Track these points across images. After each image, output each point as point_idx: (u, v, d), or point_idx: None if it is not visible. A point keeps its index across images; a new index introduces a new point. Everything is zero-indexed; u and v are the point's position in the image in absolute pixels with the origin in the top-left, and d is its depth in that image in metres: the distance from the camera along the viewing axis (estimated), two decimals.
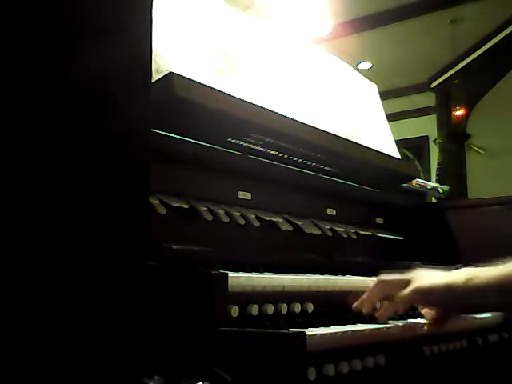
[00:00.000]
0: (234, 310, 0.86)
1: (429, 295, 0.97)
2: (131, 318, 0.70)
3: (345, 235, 1.50)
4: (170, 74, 1.09)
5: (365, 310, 1.01)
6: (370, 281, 1.10)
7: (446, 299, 0.97)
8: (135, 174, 0.73)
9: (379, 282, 1.02)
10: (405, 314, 1.13)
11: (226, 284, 0.84)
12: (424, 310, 1.04)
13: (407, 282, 0.99)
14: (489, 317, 1.25)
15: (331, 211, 1.52)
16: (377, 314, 1.01)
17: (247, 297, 0.91)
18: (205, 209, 1.15)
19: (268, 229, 1.29)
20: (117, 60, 0.72)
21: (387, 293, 1.01)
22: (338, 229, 1.48)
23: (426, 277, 0.98)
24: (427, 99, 7.30)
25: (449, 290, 0.95)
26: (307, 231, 1.37)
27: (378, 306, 1.04)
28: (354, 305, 1.03)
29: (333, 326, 0.90)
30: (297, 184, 1.41)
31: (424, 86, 7.21)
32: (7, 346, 0.61)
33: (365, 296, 1.02)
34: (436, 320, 1.01)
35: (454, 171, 6.85)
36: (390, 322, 1.03)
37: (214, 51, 1.34)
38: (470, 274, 0.95)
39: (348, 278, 1.16)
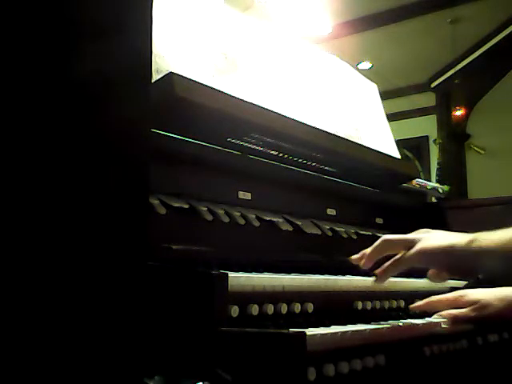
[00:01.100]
0: (234, 310, 0.86)
1: (432, 256, 0.98)
2: (131, 319, 0.70)
3: (345, 235, 1.49)
4: (170, 73, 1.09)
5: (364, 266, 1.03)
6: (369, 281, 1.10)
7: (448, 260, 0.97)
8: (135, 174, 0.73)
9: (383, 240, 1.02)
10: (405, 314, 1.13)
11: (226, 284, 0.84)
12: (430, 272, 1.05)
13: (411, 242, 0.99)
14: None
15: (331, 211, 1.52)
16: (378, 271, 1.02)
17: (247, 297, 0.91)
18: (205, 209, 1.15)
19: (268, 229, 1.29)
20: (117, 60, 0.72)
21: (390, 251, 1.02)
22: (338, 229, 1.48)
23: (430, 238, 0.99)
24: (427, 99, 7.30)
25: (451, 251, 0.96)
26: (307, 231, 1.37)
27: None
28: (354, 257, 1.05)
29: (333, 326, 0.90)
30: (297, 184, 1.41)
31: (424, 86, 7.21)
32: (7, 346, 0.61)
33: (367, 251, 1.03)
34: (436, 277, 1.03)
35: (454, 171, 6.85)
36: (390, 322, 1.03)
37: (214, 51, 1.34)
38: (474, 236, 0.96)
39: (348, 277, 1.16)
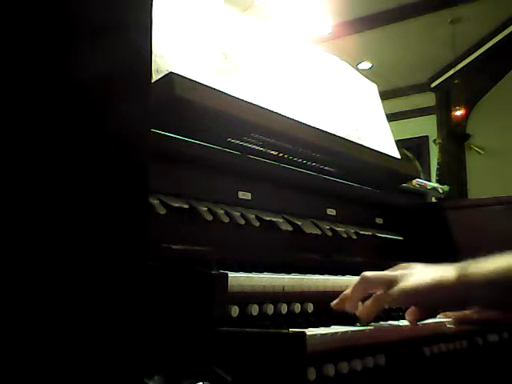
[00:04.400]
0: (234, 310, 0.86)
1: (416, 295, 0.92)
2: (131, 319, 0.70)
3: (345, 235, 1.49)
4: (170, 74, 1.09)
5: (347, 309, 0.96)
6: None
7: (435, 298, 0.91)
8: (135, 174, 0.73)
9: (362, 279, 0.96)
10: (397, 315, 1.13)
11: (225, 284, 0.84)
12: (409, 310, 0.99)
13: (392, 281, 0.93)
14: None
15: (331, 211, 1.52)
16: (358, 313, 0.96)
17: (247, 297, 0.91)
18: (205, 209, 1.15)
19: (268, 229, 1.29)
20: (116, 60, 0.72)
21: (370, 292, 0.96)
22: (338, 229, 1.48)
23: (413, 275, 0.93)
24: (427, 99, 7.30)
25: (439, 288, 0.90)
26: (307, 231, 1.37)
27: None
28: (334, 303, 0.98)
29: (333, 326, 0.90)
30: (297, 184, 1.41)
31: (424, 86, 7.22)
32: (6, 346, 0.61)
33: (347, 293, 0.97)
34: (417, 318, 0.97)
35: (454, 171, 6.85)
36: (390, 322, 1.03)
37: (214, 51, 1.34)
38: (463, 270, 0.89)
39: (348, 277, 1.16)
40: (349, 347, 0.84)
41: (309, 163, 1.45)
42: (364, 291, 0.97)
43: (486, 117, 6.92)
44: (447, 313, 1.12)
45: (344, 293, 0.98)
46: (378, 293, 0.95)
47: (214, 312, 0.80)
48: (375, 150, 1.64)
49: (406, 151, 7.12)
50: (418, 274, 0.93)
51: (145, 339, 0.72)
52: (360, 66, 6.51)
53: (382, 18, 5.83)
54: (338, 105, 1.69)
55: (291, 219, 1.35)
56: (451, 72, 6.87)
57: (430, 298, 0.92)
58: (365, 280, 0.96)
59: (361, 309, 0.96)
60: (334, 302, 0.99)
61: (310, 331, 0.77)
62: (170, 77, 1.08)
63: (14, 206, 0.63)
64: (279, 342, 0.74)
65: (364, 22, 5.90)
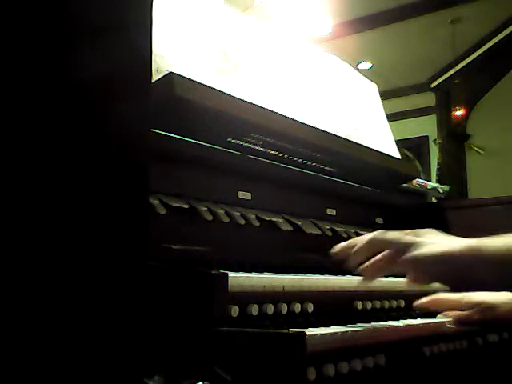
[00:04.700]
0: (234, 310, 0.86)
1: (427, 264, 0.89)
2: (131, 319, 0.70)
3: (345, 235, 1.49)
4: (170, 74, 1.09)
5: (349, 262, 0.94)
6: None
7: (444, 269, 0.89)
8: (135, 174, 0.73)
9: (380, 235, 0.94)
10: (405, 314, 1.13)
11: (225, 284, 0.84)
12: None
13: (406, 247, 0.91)
14: None
15: (331, 211, 1.52)
16: (364, 269, 0.94)
17: (247, 297, 0.91)
18: (205, 209, 1.15)
19: (268, 229, 1.29)
20: (116, 60, 0.72)
21: (380, 250, 0.94)
22: (338, 229, 1.48)
23: (426, 245, 0.91)
24: (427, 99, 7.31)
25: (448, 260, 0.88)
26: (307, 231, 1.37)
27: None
28: (336, 250, 0.97)
29: (333, 326, 0.90)
30: (297, 184, 1.41)
31: (424, 85, 7.22)
32: (6, 346, 0.61)
33: (355, 248, 0.95)
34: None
35: (454, 171, 6.85)
36: (390, 322, 1.03)
37: (214, 51, 1.35)
38: (475, 243, 0.87)
39: (348, 277, 1.16)
40: (349, 347, 0.84)
41: (309, 163, 1.45)
42: (376, 248, 0.94)
43: (486, 117, 6.92)
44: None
45: (349, 243, 0.96)
46: (387, 254, 0.93)
47: (214, 312, 0.80)
48: (375, 150, 1.64)
49: (406, 151, 7.13)
50: (431, 244, 0.91)
51: (145, 339, 0.72)
52: (360, 66, 6.51)
53: (382, 17, 5.83)
54: (337, 105, 1.69)
55: (291, 219, 1.35)
56: (451, 72, 6.88)
57: (439, 270, 0.90)
58: (381, 237, 0.94)
59: (368, 266, 0.93)
60: (337, 250, 0.97)
61: (310, 331, 0.77)
62: (170, 77, 1.08)
63: (14, 206, 0.63)
64: (279, 342, 0.74)
65: (364, 22, 5.90)
